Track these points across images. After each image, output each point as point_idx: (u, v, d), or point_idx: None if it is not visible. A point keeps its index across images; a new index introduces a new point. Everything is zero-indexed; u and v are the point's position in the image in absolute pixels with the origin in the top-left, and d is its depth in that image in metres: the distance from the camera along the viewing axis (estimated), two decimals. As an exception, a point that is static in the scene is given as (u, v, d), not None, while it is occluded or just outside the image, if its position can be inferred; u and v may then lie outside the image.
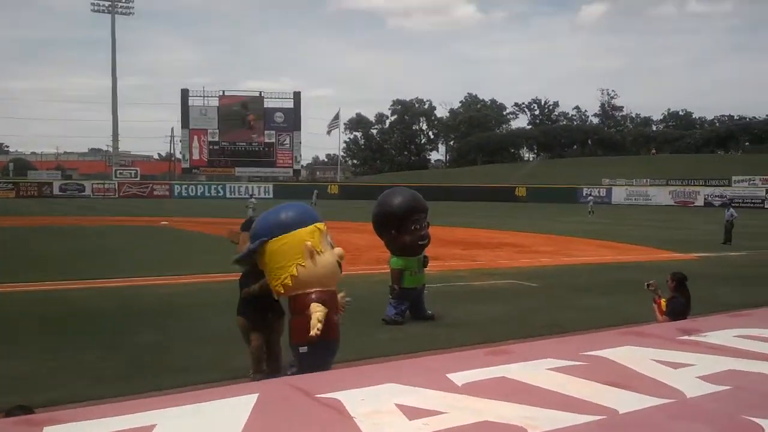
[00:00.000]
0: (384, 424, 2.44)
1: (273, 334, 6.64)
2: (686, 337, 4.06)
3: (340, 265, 5.75)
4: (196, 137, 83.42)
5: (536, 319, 10.32)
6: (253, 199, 34.14)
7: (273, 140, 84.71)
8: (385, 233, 10.31)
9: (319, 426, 2.42)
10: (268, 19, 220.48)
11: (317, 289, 5.50)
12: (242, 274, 6.71)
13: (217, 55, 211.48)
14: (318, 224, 5.59)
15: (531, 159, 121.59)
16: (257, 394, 2.75)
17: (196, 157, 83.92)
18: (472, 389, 2.96)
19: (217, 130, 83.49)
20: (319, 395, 2.74)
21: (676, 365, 3.42)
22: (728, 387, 3.04)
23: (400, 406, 2.63)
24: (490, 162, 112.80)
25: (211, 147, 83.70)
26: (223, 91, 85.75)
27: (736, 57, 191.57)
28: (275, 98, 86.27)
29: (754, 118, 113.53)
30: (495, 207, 55.12)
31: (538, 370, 3.37)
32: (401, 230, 10.05)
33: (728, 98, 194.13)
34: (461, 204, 56.81)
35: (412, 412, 2.57)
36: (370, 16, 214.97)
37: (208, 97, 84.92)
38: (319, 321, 5.17)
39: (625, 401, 2.80)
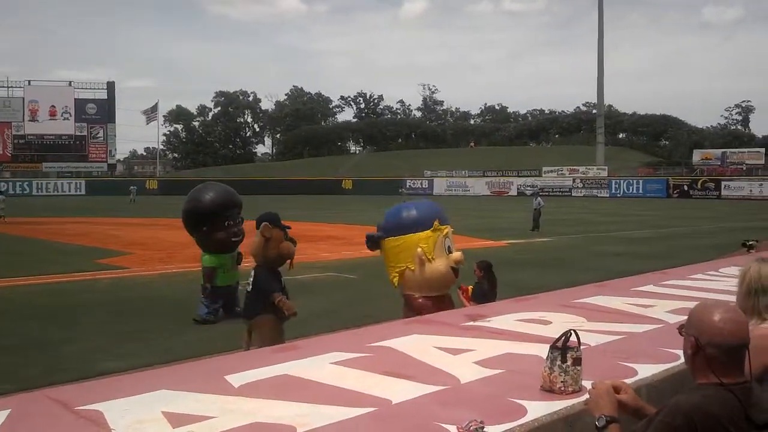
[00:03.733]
0: (144, 434, 2.31)
1: None
2: (471, 323, 4.25)
3: (456, 270, 5.77)
4: (-2, 130, 76.87)
5: (352, 311, 10.45)
6: (1, 196, 32.66)
7: (85, 133, 79.81)
8: (196, 231, 9.96)
9: (70, 443, 2.24)
10: (79, 6, 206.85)
11: (425, 294, 5.57)
12: (261, 276, 6.16)
13: (24, 44, 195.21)
14: (437, 229, 5.59)
15: (357, 152, 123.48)
16: (9, 411, 2.51)
17: (-1, 151, 77.34)
18: (249, 390, 2.90)
19: (23, 123, 77.44)
20: (79, 407, 2.56)
21: (456, 351, 3.56)
22: (501, 371, 3.20)
23: (167, 414, 2.51)
24: (317, 155, 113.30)
25: (15, 141, 77.47)
26: (29, 81, 79.66)
27: (547, 53, 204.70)
28: (87, 89, 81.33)
29: (563, 111, 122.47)
30: (321, 200, 55.40)
31: (322, 364, 3.38)
32: (213, 227, 9.75)
33: (540, 93, 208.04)
34: (287, 197, 56.54)
35: (179, 419, 2.46)
36: (189, 3, 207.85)
37: (12, 87, 78.60)
38: None
39: (401, 391, 2.86)
